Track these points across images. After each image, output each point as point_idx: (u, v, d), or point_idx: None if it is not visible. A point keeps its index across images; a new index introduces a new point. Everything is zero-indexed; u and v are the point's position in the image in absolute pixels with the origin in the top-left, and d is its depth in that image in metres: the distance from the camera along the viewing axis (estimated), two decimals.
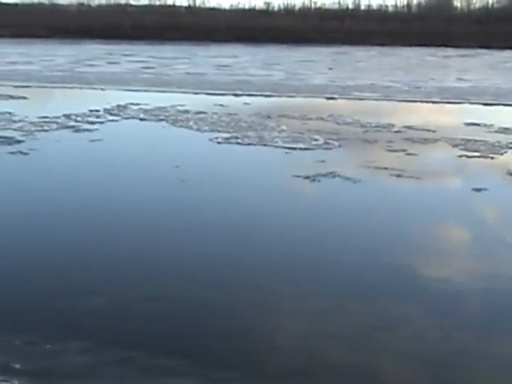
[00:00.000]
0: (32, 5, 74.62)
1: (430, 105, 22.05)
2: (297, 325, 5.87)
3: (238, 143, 13.91)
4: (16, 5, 74.64)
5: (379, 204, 9.74)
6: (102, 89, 24.21)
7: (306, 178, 10.89)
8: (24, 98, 21.78)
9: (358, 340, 5.54)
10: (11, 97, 21.67)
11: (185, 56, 43.34)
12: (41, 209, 9.20)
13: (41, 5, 74.67)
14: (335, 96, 23.35)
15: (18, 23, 62.19)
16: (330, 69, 35.56)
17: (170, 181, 10.85)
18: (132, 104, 19.69)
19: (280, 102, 22.16)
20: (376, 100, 22.79)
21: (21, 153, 12.53)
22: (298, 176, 11.01)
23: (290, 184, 10.77)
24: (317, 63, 39.24)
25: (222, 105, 20.21)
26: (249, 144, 13.83)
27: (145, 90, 23.93)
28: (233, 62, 39.59)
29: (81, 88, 24.50)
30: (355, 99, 22.93)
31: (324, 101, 22.42)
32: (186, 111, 18.43)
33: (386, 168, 11.70)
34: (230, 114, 17.90)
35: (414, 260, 7.48)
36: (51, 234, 8.15)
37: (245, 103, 21.13)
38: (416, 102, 22.58)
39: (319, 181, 10.73)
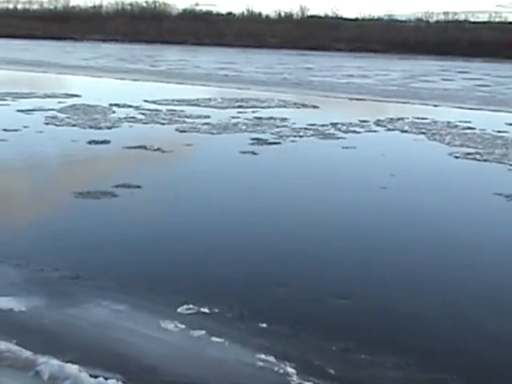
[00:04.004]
0: (370, 19, 79.01)
1: None
2: None
3: (475, 159, 14.32)
4: (356, 19, 79.72)
5: None
6: (435, 105, 25.39)
7: (507, 196, 11.12)
8: (315, 107, 24.13)
9: None
10: (304, 105, 24.18)
11: None
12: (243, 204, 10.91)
13: (379, 20, 78.69)
14: None
15: (356, 37, 66.46)
16: None
17: (371, 187, 11.86)
18: (410, 117, 20.76)
19: None
20: None
21: (252, 153, 14.58)
22: (500, 194, 11.27)
23: (484, 200, 11.18)
24: None
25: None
26: (484, 160, 14.19)
27: (478, 109, 24.59)
28: None
29: (413, 103, 25.99)
30: None
31: None
32: (455, 126, 19.04)
33: None
34: (498, 132, 18.12)
35: None
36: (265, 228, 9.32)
37: None
38: None
39: None
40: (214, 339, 5.81)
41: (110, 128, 17.18)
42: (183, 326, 6.01)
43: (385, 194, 11.35)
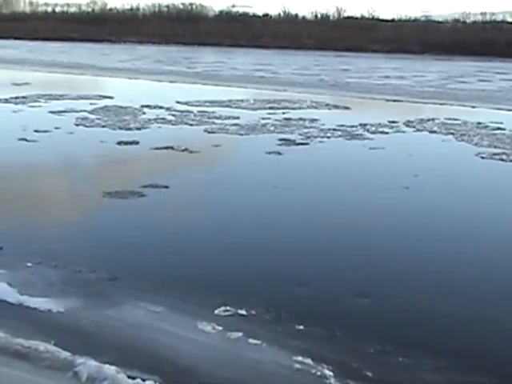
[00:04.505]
0: (407, 20, 78.53)
1: None
2: None
3: (501, 159, 14.45)
4: (392, 20, 79.34)
5: None
6: (472, 106, 25.25)
7: None
8: (346, 108, 24.15)
9: None
10: (335, 107, 24.21)
11: None
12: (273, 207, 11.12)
13: (416, 20, 78.19)
14: None
15: (393, 38, 66.18)
16: None
17: (394, 187, 12.00)
18: (442, 118, 20.74)
19: None
20: None
21: (278, 153, 14.74)
22: None
23: (507, 200, 11.27)
24: None
25: None
26: (510, 161, 14.26)
27: None
28: None
29: (451, 104, 25.87)
30: None
31: None
32: (485, 127, 19.04)
33: None
34: None
35: None
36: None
37: None
38: None
39: None
40: (251, 341, 5.92)
41: (139, 129, 17.45)
42: (220, 328, 6.13)
43: (407, 194, 11.47)
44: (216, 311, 6.43)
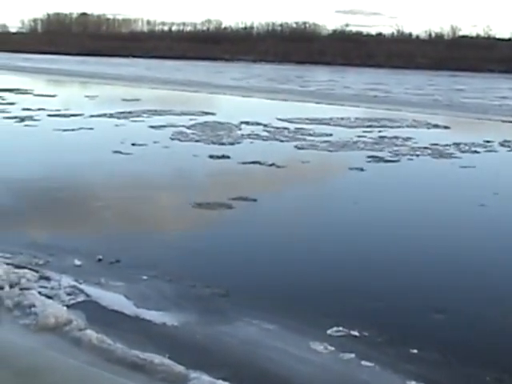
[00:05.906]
0: None
1: None
2: None
3: None
4: (509, 40, 77.38)
5: None
6: None
7: None
8: (446, 127, 24.09)
9: None
10: (435, 126, 24.14)
11: None
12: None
13: None
14: None
15: (510, 58, 64.63)
16: None
17: (470, 203, 12.15)
18: None
19: None
20: None
21: (361, 169, 15.04)
22: None
23: None
24: None
25: None
26: None
27: None
28: None
29: None
30: None
31: None
32: None
33: None
34: None
35: None
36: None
37: None
38: None
39: None
40: (364, 363, 5.89)
41: (232, 144, 18.03)
42: (333, 348, 6.12)
43: (481, 211, 11.57)
44: (328, 331, 6.46)
